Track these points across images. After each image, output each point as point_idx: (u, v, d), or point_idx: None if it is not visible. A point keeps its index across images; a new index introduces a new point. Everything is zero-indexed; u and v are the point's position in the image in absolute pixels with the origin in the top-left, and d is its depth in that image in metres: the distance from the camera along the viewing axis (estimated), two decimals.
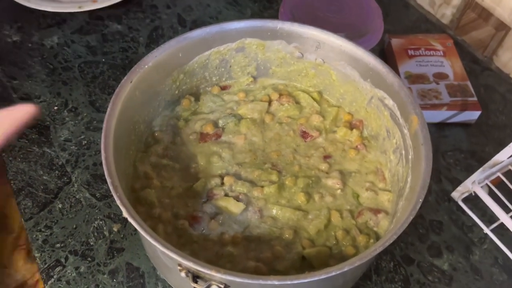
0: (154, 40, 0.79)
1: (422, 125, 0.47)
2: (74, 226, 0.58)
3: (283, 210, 0.50)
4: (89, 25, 0.82)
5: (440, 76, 0.74)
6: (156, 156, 0.54)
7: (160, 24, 0.82)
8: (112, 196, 0.60)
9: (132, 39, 0.80)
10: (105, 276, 0.54)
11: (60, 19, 0.81)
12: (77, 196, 0.60)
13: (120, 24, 0.82)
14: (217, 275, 0.36)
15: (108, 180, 0.41)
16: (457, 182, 0.65)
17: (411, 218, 0.40)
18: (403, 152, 0.51)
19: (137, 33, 0.80)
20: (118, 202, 0.40)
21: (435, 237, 0.61)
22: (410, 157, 0.49)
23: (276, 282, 0.35)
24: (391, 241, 0.39)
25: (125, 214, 0.39)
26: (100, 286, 0.53)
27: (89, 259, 0.55)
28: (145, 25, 0.81)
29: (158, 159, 0.53)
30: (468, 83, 0.73)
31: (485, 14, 0.80)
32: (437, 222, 0.62)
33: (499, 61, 0.81)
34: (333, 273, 0.36)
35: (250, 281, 0.36)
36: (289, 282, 0.36)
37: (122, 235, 0.57)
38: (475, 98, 0.71)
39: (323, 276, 0.36)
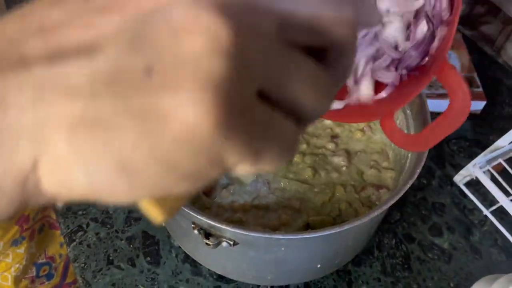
0: None
1: (423, 105, 0.50)
2: None
3: (290, 183, 0.53)
4: None
5: None
6: None
7: None
8: None
9: None
10: (123, 241, 0.58)
11: None
12: None
13: None
14: (227, 229, 0.39)
15: None
16: (460, 168, 0.67)
17: (408, 186, 0.43)
18: (406, 131, 0.53)
19: None
20: None
21: (437, 218, 0.63)
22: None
23: (280, 236, 0.39)
24: (389, 205, 0.42)
25: None
26: (118, 251, 0.57)
27: (108, 226, 0.59)
28: None
29: None
30: (475, 74, 0.75)
31: (494, 9, 0.83)
32: (440, 204, 0.65)
33: (506, 55, 0.83)
34: (333, 231, 0.39)
35: (256, 235, 0.39)
36: (292, 237, 0.39)
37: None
38: (480, 89, 0.73)
39: (325, 233, 0.39)
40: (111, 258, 0.57)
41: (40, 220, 0.76)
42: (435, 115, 0.52)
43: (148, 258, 0.57)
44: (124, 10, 0.16)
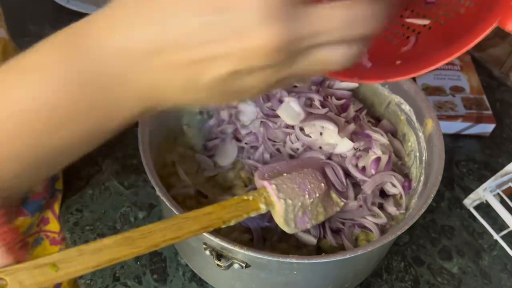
0: None
1: (436, 128, 0.50)
2: (103, 211, 0.61)
3: None
4: None
5: (457, 89, 0.76)
6: (183, 147, 0.57)
7: None
8: (139, 185, 0.64)
9: None
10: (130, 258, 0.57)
11: None
12: (106, 184, 0.64)
13: None
14: (240, 251, 0.39)
15: (146, 168, 0.45)
16: (469, 191, 0.67)
17: (423, 211, 0.42)
18: (417, 154, 0.53)
19: None
20: (152, 182, 0.44)
21: (446, 241, 0.63)
22: (424, 158, 0.51)
23: (294, 260, 0.38)
24: (403, 231, 0.41)
25: (158, 192, 0.43)
26: (125, 267, 0.57)
27: None
28: None
29: (184, 150, 0.57)
30: (484, 97, 0.75)
31: (502, 33, 0.83)
32: (449, 227, 0.64)
33: None
34: (347, 256, 0.39)
35: (270, 258, 0.38)
36: (306, 261, 0.39)
37: (147, 222, 0.61)
38: (490, 112, 0.73)
39: (338, 258, 0.39)
40: (117, 275, 0.56)
41: (36, 234, 0.75)
42: (445, 136, 0.52)
43: (155, 276, 0.57)
44: None
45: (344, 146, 0.52)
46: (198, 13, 0.21)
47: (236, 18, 0.21)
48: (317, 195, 0.45)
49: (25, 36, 0.81)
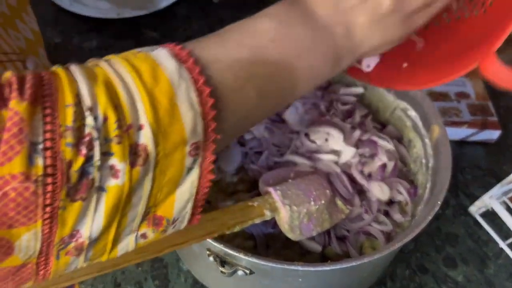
0: None
1: (443, 134, 0.49)
2: None
3: None
4: (126, 31, 0.86)
5: (462, 95, 0.76)
6: None
7: (193, 34, 0.86)
8: None
9: None
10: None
11: (99, 24, 0.86)
12: None
13: (155, 31, 0.86)
14: (244, 258, 0.38)
15: None
16: (474, 198, 0.66)
17: (430, 218, 0.42)
18: (423, 161, 0.53)
19: (171, 40, 0.84)
20: None
21: (451, 249, 0.62)
22: (430, 165, 0.51)
23: (300, 268, 0.38)
24: (409, 239, 0.41)
25: None
26: (126, 273, 0.56)
27: None
28: (179, 34, 0.86)
29: None
30: (489, 103, 0.75)
31: (508, 39, 0.83)
32: (453, 234, 0.64)
33: None
34: (353, 263, 0.38)
35: (274, 265, 0.38)
36: (312, 269, 0.38)
37: None
38: (495, 118, 0.72)
39: (344, 266, 0.38)
40: (118, 280, 0.56)
41: None
42: (450, 143, 0.51)
43: (156, 282, 0.56)
44: None
45: (348, 153, 0.51)
46: None
47: None
48: (322, 201, 0.44)
49: None
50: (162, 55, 0.27)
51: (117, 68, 0.26)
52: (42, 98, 0.22)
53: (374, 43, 0.35)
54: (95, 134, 0.23)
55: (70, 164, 0.22)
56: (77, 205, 0.23)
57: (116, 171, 0.24)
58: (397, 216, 0.51)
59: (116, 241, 0.27)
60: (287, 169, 0.49)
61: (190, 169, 0.27)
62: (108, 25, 0.86)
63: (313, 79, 0.34)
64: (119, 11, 0.86)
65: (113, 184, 0.24)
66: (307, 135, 0.53)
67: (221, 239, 0.40)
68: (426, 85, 0.38)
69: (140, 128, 0.24)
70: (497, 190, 0.60)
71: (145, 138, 0.24)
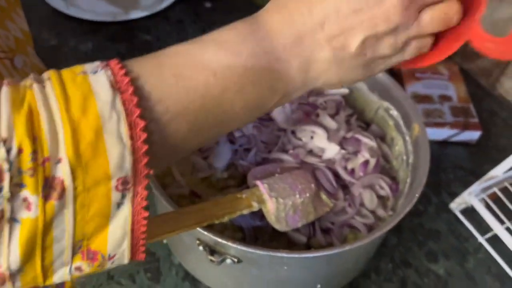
0: None
1: (422, 132, 0.52)
2: None
3: None
4: (121, 34, 0.88)
5: (445, 98, 0.79)
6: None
7: (186, 37, 0.88)
8: None
9: (160, 48, 0.86)
10: None
11: (95, 27, 0.89)
12: None
13: (149, 35, 0.89)
14: (232, 246, 0.40)
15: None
16: (455, 196, 0.69)
17: (408, 210, 0.44)
18: (404, 157, 0.55)
19: (165, 43, 0.87)
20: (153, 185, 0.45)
21: (433, 244, 0.65)
22: (410, 161, 0.53)
23: (285, 255, 0.40)
24: (389, 228, 0.43)
25: (154, 190, 0.44)
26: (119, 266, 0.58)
27: None
28: (172, 38, 0.88)
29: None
30: (471, 105, 0.78)
31: None
32: (435, 231, 0.66)
33: (502, 88, 0.86)
34: (336, 251, 0.41)
35: (261, 252, 0.40)
36: (296, 256, 0.40)
37: None
38: (476, 119, 0.75)
39: (326, 253, 0.40)
40: (111, 273, 0.58)
41: None
42: (432, 143, 0.54)
43: (149, 275, 0.58)
44: None
45: (331, 150, 0.54)
46: None
47: None
48: (307, 195, 0.46)
49: None
50: (101, 82, 0.27)
51: (48, 93, 0.26)
52: None
53: (330, 81, 0.34)
54: (5, 166, 0.23)
55: None
56: None
57: (29, 204, 0.24)
58: (380, 211, 0.53)
59: (47, 272, 0.27)
60: (275, 164, 0.51)
61: (120, 204, 0.27)
62: (104, 28, 0.89)
63: (257, 110, 0.33)
64: (114, 15, 0.88)
65: (26, 216, 0.24)
66: (293, 133, 0.55)
67: (211, 230, 0.42)
68: (423, 64, 0.39)
69: (58, 161, 0.24)
70: (475, 187, 0.63)
71: (62, 171, 0.24)
